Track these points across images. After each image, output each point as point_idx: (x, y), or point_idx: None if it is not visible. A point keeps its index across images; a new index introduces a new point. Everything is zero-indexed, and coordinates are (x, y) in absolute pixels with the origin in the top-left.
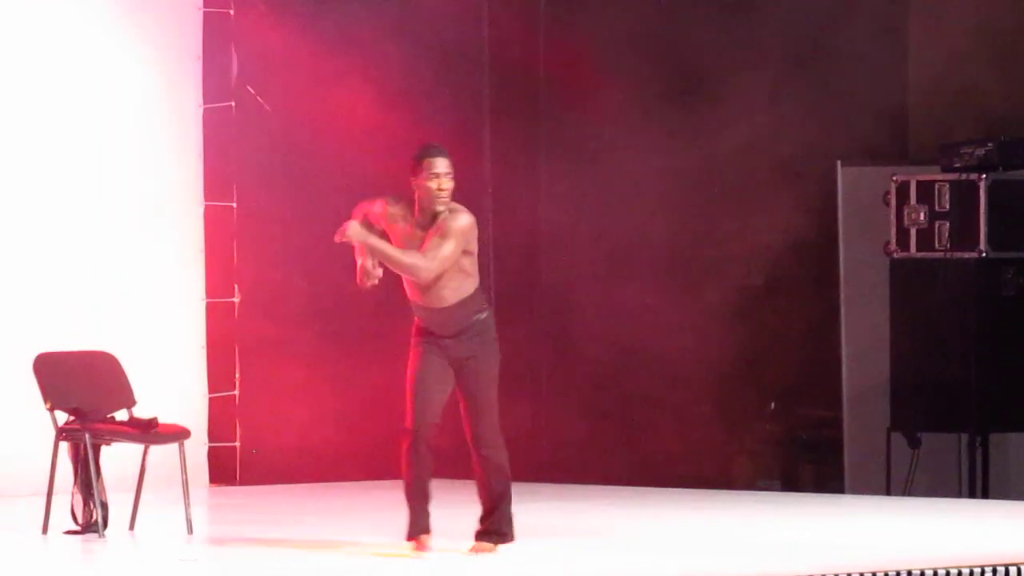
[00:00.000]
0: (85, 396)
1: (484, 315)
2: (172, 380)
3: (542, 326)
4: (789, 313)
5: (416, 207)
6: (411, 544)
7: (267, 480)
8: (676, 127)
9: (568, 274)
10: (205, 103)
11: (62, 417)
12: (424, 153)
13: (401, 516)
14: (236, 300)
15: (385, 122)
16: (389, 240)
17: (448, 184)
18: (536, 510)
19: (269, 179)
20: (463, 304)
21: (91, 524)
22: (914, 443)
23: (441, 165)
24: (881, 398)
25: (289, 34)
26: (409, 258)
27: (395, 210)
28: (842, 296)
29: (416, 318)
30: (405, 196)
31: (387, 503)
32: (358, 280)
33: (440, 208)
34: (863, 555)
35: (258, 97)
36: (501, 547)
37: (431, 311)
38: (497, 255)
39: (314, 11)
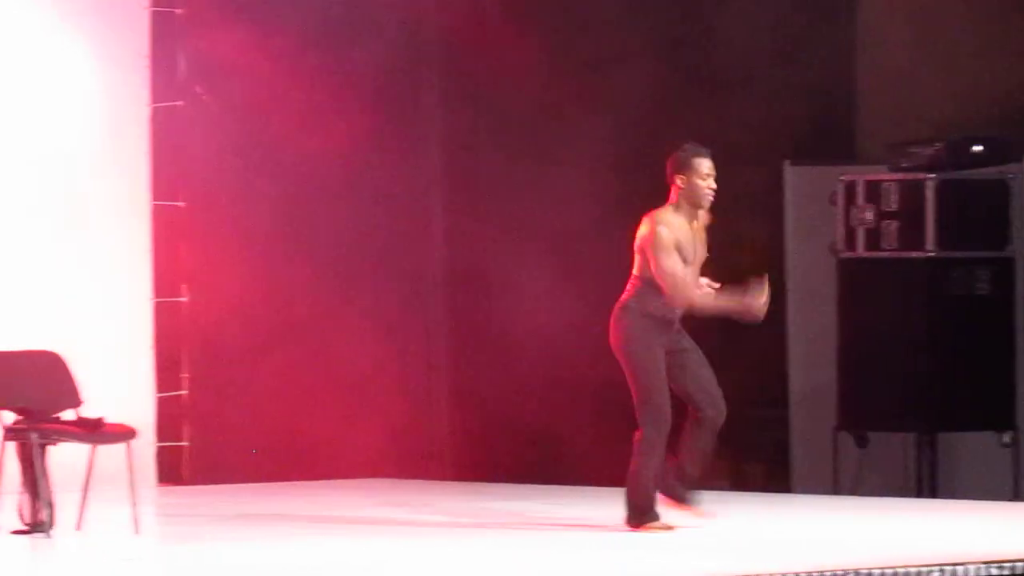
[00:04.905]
0: (32, 396)
1: None
2: (119, 380)
3: (490, 324)
4: None
5: (678, 205)
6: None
7: (214, 480)
8: (624, 125)
9: (518, 269)
10: (153, 102)
11: (9, 417)
12: (696, 152)
13: (341, 514)
14: (184, 300)
15: (335, 120)
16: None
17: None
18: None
19: (218, 178)
20: None
21: (38, 524)
22: (861, 443)
23: (711, 166)
24: (828, 398)
25: (237, 33)
26: None
27: (671, 227)
28: (789, 296)
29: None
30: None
31: (331, 504)
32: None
33: (706, 206)
34: (809, 553)
35: (204, 96)
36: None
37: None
38: (449, 248)
39: (262, 9)
